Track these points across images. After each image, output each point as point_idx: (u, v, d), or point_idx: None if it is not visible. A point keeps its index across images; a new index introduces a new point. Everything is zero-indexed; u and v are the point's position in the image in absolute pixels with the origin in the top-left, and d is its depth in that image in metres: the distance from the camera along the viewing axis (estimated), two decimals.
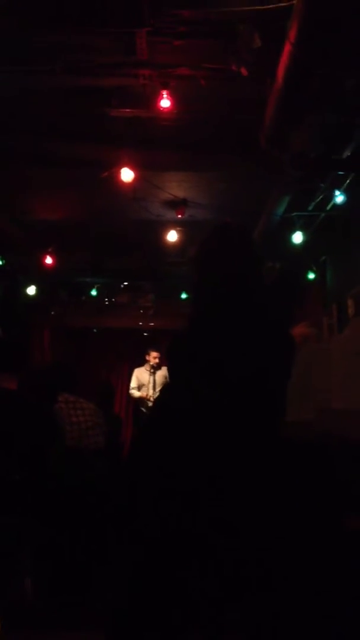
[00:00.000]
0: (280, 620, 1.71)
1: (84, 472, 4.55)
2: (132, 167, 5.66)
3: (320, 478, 1.78)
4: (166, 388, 2.42)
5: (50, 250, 8.34)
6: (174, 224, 7.44)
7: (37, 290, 9.79)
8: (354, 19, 3.45)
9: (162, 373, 8.53)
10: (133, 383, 9.06)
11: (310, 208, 6.58)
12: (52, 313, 10.80)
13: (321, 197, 6.28)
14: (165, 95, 4.73)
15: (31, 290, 9.69)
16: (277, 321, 2.16)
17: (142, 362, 9.11)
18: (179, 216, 6.98)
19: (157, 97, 4.75)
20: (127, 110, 5.12)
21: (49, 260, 8.42)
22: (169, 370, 2.31)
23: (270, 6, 3.82)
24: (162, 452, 1.97)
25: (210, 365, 2.00)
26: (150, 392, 8.63)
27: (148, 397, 8.63)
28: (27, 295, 9.73)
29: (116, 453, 6.06)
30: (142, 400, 8.79)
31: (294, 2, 3.41)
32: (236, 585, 1.78)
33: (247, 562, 1.79)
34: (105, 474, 4.80)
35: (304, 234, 6.91)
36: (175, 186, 6.52)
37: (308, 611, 1.73)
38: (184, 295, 9.85)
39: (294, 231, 6.88)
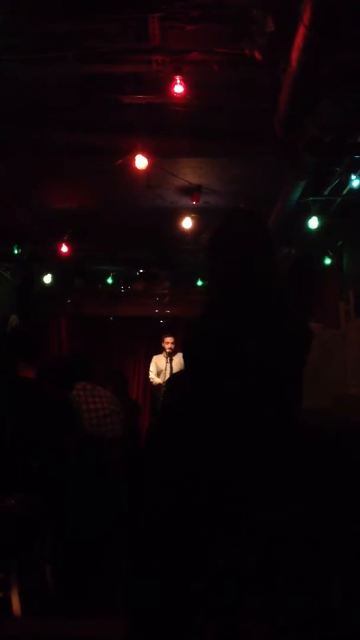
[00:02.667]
0: (301, 610, 1.71)
1: (102, 459, 4.58)
2: (145, 155, 5.63)
3: (338, 464, 1.78)
4: (180, 376, 2.41)
5: (65, 239, 8.36)
6: (188, 211, 7.42)
7: (53, 279, 9.81)
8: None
9: (177, 359, 8.55)
10: (152, 369, 9.10)
11: (326, 193, 6.53)
12: (68, 301, 10.83)
13: (337, 181, 6.23)
14: (178, 81, 4.70)
15: (47, 279, 9.72)
16: (293, 307, 2.15)
17: (159, 350, 9.14)
18: (194, 203, 6.96)
19: (170, 83, 4.72)
20: (140, 97, 5.10)
21: (64, 249, 8.44)
22: (184, 357, 2.31)
23: None
24: (180, 440, 1.97)
25: (227, 352, 1.99)
26: (167, 378, 8.65)
27: (164, 383, 8.65)
28: (44, 284, 9.76)
29: (134, 440, 6.09)
30: (158, 387, 8.82)
31: None
32: (253, 574, 1.79)
33: (265, 550, 1.79)
34: (123, 461, 4.83)
35: (320, 219, 6.86)
36: (190, 173, 6.50)
37: (330, 600, 1.73)
38: (199, 283, 9.84)
39: (309, 216, 6.84)
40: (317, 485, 1.76)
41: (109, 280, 10.45)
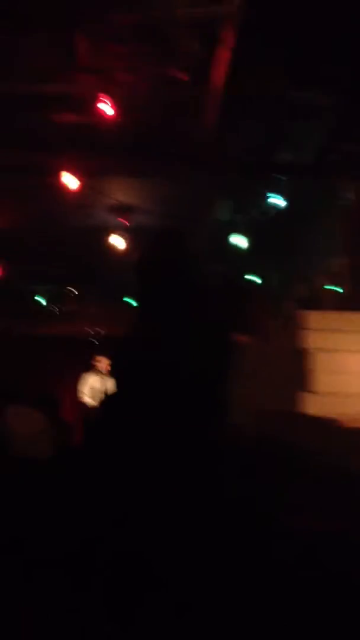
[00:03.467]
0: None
1: (31, 481, 4.50)
2: (74, 174, 5.62)
3: (254, 480, 1.80)
4: (113, 397, 2.41)
5: None
6: (119, 230, 7.42)
7: None
8: (285, 27, 3.52)
9: (109, 378, 8.50)
10: (82, 388, 9.02)
11: (251, 212, 6.64)
12: None
13: (261, 200, 6.35)
14: (104, 101, 4.72)
15: None
16: (219, 325, 2.17)
17: (89, 368, 9.07)
18: (123, 222, 6.97)
19: (97, 102, 4.74)
20: (68, 116, 5.09)
21: None
22: (114, 375, 2.31)
23: (208, 12, 3.86)
24: (110, 456, 1.97)
25: (154, 369, 2.00)
26: (98, 397, 8.59)
27: (96, 402, 8.59)
28: None
29: (64, 461, 6.00)
30: (90, 408, 8.75)
31: (231, 9, 3.46)
32: (149, 584, 1.78)
33: (172, 563, 1.80)
34: (53, 482, 4.76)
35: (246, 238, 6.97)
36: (121, 192, 6.51)
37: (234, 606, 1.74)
38: (129, 301, 9.83)
39: (236, 235, 6.94)
40: (234, 499, 1.79)
41: (39, 300, 10.35)
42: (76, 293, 10.27)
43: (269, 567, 1.68)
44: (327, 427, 1.95)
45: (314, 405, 1.95)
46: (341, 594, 1.69)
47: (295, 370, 2.08)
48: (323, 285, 5.60)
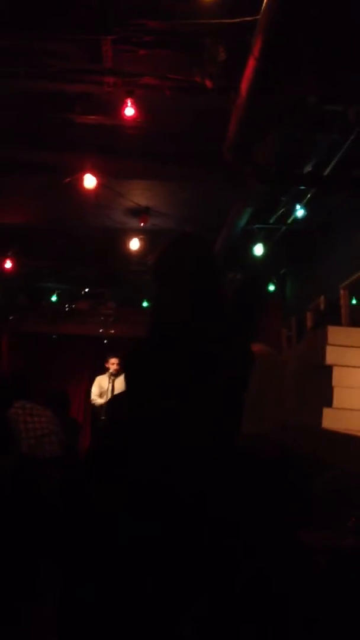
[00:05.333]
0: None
1: (39, 479, 4.50)
2: (95, 174, 5.64)
3: (274, 491, 1.80)
4: (122, 397, 2.40)
5: (10, 254, 8.26)
6: (136, 232, 7.44)
7: None
8: (316, 36, 3.52)
9: (121, 380, 8.51)
10: (94, 390, 9.02)
11: (271, 221, 6.65)
12: (11, 318, 10.69)
13: (282, 210, 6.36)
14: (129, 104, 4.74)
15: None
16: (236, 332, 2.16)
17: (102, 370, 9.08)
18: (142, 224, 6.98)
19: (122, 105, 4.76)
20: (91, 117, 5.11)
21: (8, 264, 8.34)
22: (126, 378, 2.29)
23: (236, 20, 3.86)
24: (119, 461, 1.96)
25: (169, 375, 1.99)
26: (107, 397, 8.59)
27: (106, 404, 8.58)
28: None
29: (73, 460, 6.01)
30: (100, 408, 8.75)
31: (259, 17, 3.45)
32: (188, 598, 1.77)
33: (202, 572, 1.78)
34: (60, 481, 4.76)
35: (265, 246, 6.98)
36: (139, 194, 6.52)
37: (258, 623, 1.73)
38: (145, 303, 9.85)
39: (255, 243, 6.95)
40: (255, 510, 1.78)
41: (54, 298, 10.37)
42: (91, 293, 10.30)
43: (287, 580, 1.68)
44: (344, 441, 1.94)
45: (332, 420, 1.95)
46: None
47: (314, 384, 2.08)
48: (350, 300, 5.58)
